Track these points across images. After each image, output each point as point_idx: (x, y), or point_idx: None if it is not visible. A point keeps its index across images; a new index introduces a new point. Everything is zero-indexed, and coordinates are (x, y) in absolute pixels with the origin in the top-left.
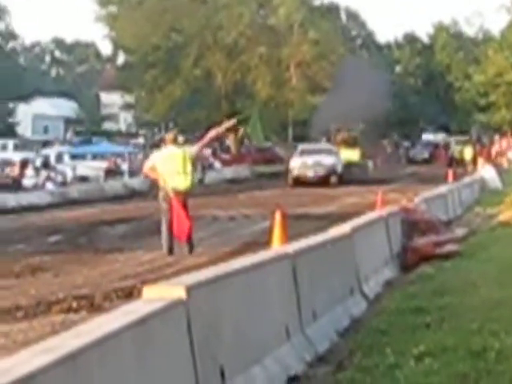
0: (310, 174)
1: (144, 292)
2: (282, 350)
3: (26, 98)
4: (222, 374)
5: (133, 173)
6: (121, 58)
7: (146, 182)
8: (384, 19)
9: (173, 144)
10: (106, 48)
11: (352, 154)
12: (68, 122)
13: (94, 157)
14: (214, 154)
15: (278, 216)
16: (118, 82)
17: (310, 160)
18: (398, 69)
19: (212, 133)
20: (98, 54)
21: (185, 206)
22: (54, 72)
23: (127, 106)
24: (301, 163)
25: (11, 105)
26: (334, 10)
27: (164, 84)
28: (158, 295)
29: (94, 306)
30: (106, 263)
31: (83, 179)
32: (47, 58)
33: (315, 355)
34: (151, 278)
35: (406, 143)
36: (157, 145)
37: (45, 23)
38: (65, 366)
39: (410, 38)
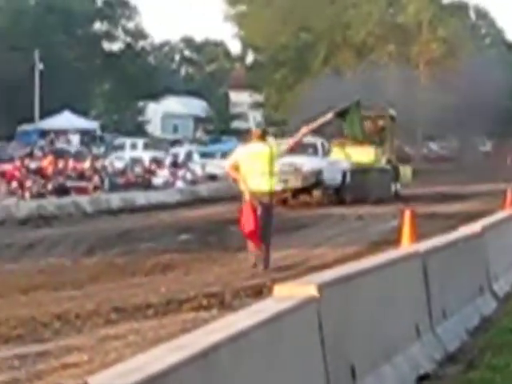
0: (277, 186)
1: (275, 290)
2: (413, 349)
3: (155, 96)
4: (353, 373)
5: None
6: (250, 57)
7: None
8: None
9: (260, 140)
10: (235, 47)
11: (364, 154)
12: (197, 120)
13: (223, 155)
14: None
15: (407, 215)
16: (247, 80)
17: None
18: None
19: (304, 129)
20: (227, 53)
21: (268, 210)
22: (183, 71)
23: (256, 105)
24: (280, 167)
25: (141, 104)
26: (463, 8)
27: (293, 83)
28: (289, 293)
29: (224, 304)
30: (236, 261)
31: (212, 177)
32: (177, 57)
33: (445, 354)
34: (280, 276)
35: None
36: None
37: (174, 22)
38: (197, 364)
39: None
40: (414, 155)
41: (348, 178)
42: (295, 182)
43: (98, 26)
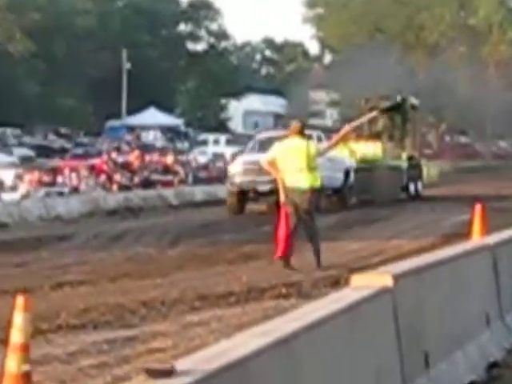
0: (263, 186)
1: (352, 280)
2: (483, 337)
3: (237, 94)
4: (427, 360)
5: None
6: (327, 58)
7: None
8: None
9: (298, 135)
10: (313, 48)
11: (371, 150)
12: (277, 117)
13: None
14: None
15: (477, 209)
16: (325, 80)
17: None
18: None
19: (347, 127)
20: (305, 54)
21: (308, 212)
22: (264, 70)
23: (333, 103)
24: (246, 167)
25: (223, 101)
26: None
27: (368, 81)
28: (365, 283)
29: (302, 293)
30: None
31: None
32: (258, 57)
33: None
34: (357, 266)
35: None
36: None
37: (255, 24)
38: (278, 350)
39: None
40: (484, 152)
41: (351, 178)
42: None
43: (182, 27)
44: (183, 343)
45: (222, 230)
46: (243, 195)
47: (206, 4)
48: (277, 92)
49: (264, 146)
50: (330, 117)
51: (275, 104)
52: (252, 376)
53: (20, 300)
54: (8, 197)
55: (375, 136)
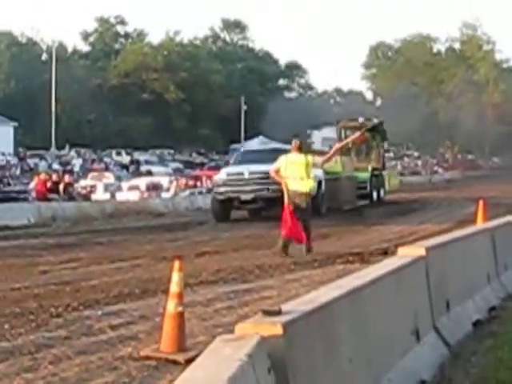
0: (247, 195)
1: (398, 251)
2: (485, 290)
3: (317, 126)
4: (447, 305)
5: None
6: (378, 102)
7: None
8: None
9: (296, 151)
10: (368, 95)
11: (332, 163)
12: None
13: None
14: (438, 163)
15: (480, 203)
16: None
17: (247, 170)
18: None
19: (337, 145)
20: (364, 99)
21: (305, 209)
22: (335, 110)
23: None
24: (229, 177)
25: (309, 131)
26: None
27: (406, 117)
28: (407, 253)
29: (363, 260)
30: (371, 232)
31: None
32: (331, 101)
33: (507, 294)
34: (400, 242)
35: None
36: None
37: (331, 78)
38: (349, 298)
39: None
40: (484, 165)
41: (323, 188)
42: (265, 192)
43: (281, 81)
44: (284, 293)
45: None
46: (228, 203)
47: (297, 65)
48: None
49: (245, 159)
50: None
51: None
52: (333, 315)
53: (176, 263)
54: (164, 195)
55: (345, 152)
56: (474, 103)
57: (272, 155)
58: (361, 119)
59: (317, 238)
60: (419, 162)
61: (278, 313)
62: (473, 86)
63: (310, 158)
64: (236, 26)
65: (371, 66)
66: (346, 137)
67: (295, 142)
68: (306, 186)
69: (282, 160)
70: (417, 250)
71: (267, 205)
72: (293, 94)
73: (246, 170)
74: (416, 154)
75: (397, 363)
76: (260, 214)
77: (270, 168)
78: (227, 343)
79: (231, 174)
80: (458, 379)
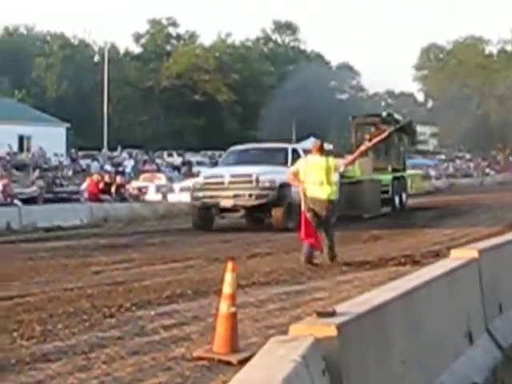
0: (226, 201)
1: (451, 253)
2: None
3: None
4: (500, 308)
5: (438, 177)
6: (429, 103)
7: (446, 182)
8: None
9: (318, 153)
10: (420, 97)
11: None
12: None
13: (412, 167)
14: (489, 165)
15: None
16: (428, 118)
17: (228, 173)
18: None
19: (362, 147)
20: (415, 101)
21: (326, 218)
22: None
23: (433, 135)
24: (207, 180)
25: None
26: None
27: (458, 119)
28: (459, 255)
29: (414, 261)
30: (422, 234)
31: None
32: (382, 103)
33: None
34: (451, 244)
35: None
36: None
37: (381, 79)
38: (402, 300)
39: None
40: None
41: (337, 193)
42: (248, 199)
43: (333, 82)
44: (335, 295)
45: (359, 220)
46: (206, 210)
47: (349, 67)
48: None
49: (231, 159)
50: (431, 144)
51: None
52: (386, 317)
53: (229, 264)
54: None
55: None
56: None
57: (266, 155)
58: (407, 119)
59: (368, 240)
60: (471, 165)
61: (332, 314)
62: None
63: (331, 160)
64: (287, 27)
65: (422, 67)
66: (362, 134)
67: (316, 143)
68: (326, 192)
69: (302, 162)
70: (469, 253)
71: (249, 213)
72: (344, 96)
73: (227, 172)
74: (468, 156)
75: (449, 366)
76: (262, 220)
77: (253, 170)
78: (281, 344)
79: (209, 177)
80: (510, 382)
